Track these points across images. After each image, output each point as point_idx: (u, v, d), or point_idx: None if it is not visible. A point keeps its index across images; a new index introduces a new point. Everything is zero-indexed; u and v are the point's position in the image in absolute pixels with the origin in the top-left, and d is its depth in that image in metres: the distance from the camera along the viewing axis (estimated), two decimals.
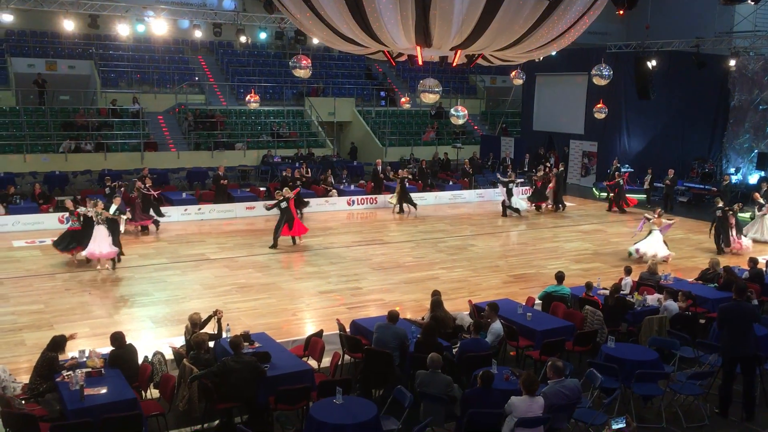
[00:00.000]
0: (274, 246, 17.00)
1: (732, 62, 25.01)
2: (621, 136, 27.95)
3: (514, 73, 21.22)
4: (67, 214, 15.33)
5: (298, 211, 19.36)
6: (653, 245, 16.57)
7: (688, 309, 11.15)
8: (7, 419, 7.34)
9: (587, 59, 25.67)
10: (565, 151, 29.36)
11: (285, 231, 17.06)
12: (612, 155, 26.76)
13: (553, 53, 13.43)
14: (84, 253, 14.74)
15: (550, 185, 23.79)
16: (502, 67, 28.27)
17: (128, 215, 16.68)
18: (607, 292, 11.65)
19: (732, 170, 26.65)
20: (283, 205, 16.95)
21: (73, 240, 15.02)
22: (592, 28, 11.45)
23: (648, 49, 24.67)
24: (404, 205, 22.17)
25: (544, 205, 23.29)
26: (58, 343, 8.48)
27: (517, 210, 22.27)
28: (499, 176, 24.16)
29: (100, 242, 14.58)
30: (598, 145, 27.98)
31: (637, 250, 16.62)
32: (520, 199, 23.28)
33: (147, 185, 18.47)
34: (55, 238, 15.56)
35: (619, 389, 8.41)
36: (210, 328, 9.49)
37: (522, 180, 24.42)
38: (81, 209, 15.09)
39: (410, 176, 23.23)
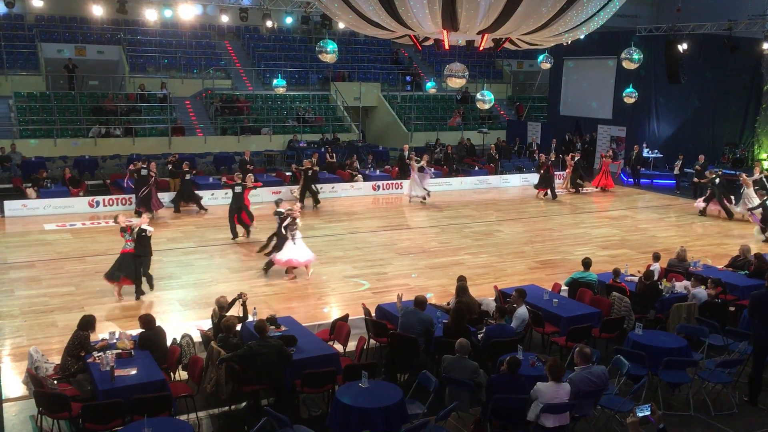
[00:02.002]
0: (234, 237, 16.34)
1: (765, 45, 24.44)
2: (650, 121, 27.55)
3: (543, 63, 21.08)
4: (112, 222, 12.78)
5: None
6: None
7: (717, 296, 11.01)
8: (40, 398, 7.51)
9: (617, 43, 25.33)
10: (593, 136, 29.01)
11: (235, 219, 16.31)
12: (640, 140, 26.40)
13: (582, 37, 13.23)
14: (278, 259, 13.29)
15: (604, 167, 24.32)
16: (529, 51, 28.07)
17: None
18: (634, 278, 11.57)
19: (764, 156, 26.15)
20: (237, 189, 16.19)
21: (121, 268, 12.10)
22: (621, 11, 11.26)
23: (679, 32, 24.23)
24: (313, 198, 19.99)
25: (543, 193, 22.72)
26: (89, 323, 8.63)
27: (416, 196, 21.21)
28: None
29: (298, 249, 13.28)
30: (627, 130, 27.59)
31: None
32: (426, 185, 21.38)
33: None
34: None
35: (647, 376, 8.35)
36: (234, 311, 9.58)
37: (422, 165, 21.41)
38: (132, 221, 12.92)
39: (317, 168, 20.59)
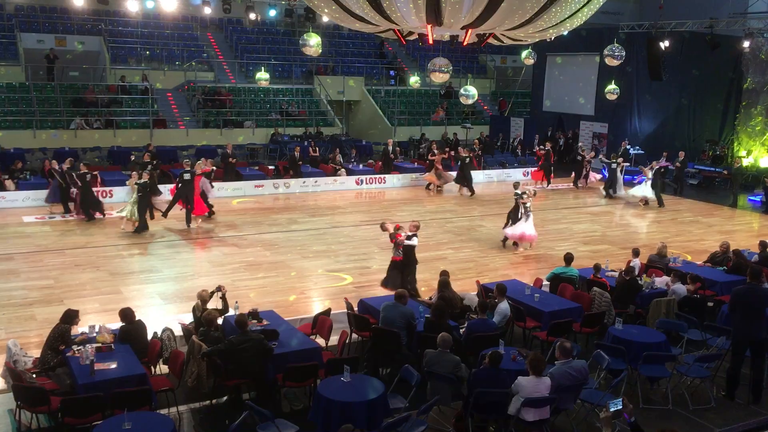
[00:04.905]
0: (165, 215, 16.85)
1: (746, 44, 24.65)
2: (632, 118, 27.72)
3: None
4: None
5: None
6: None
7: (696, 292, 11.13)
8: (19, 392, 7.43)
9: (599, 39, 25.42)
10: (575, 132, 29.15)
11: (180, 203, 16.68)
12: (622, 137, 26.59)
13: (565, 33, 13.28)
14: (511, 233, 15.57)
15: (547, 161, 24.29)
16: (513, 47, 28.11)
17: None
18: (615, 274, 11.65)
19: (743, 153, 26.41)
20: (186, 177, 16.46)
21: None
22: (605, 8, 11.31)
23: (661, 30, 24.38)
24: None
25: (463, 190, 22.33)
26: (71, 316, 8.58)
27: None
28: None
29: (529, 226, 15.42)
30: (609, 126, 27.77)
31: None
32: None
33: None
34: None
35: (626, 371, 8.42)
36: (213, 304, 9.53)
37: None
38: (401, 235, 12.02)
39: (147, 181, 16.31)
